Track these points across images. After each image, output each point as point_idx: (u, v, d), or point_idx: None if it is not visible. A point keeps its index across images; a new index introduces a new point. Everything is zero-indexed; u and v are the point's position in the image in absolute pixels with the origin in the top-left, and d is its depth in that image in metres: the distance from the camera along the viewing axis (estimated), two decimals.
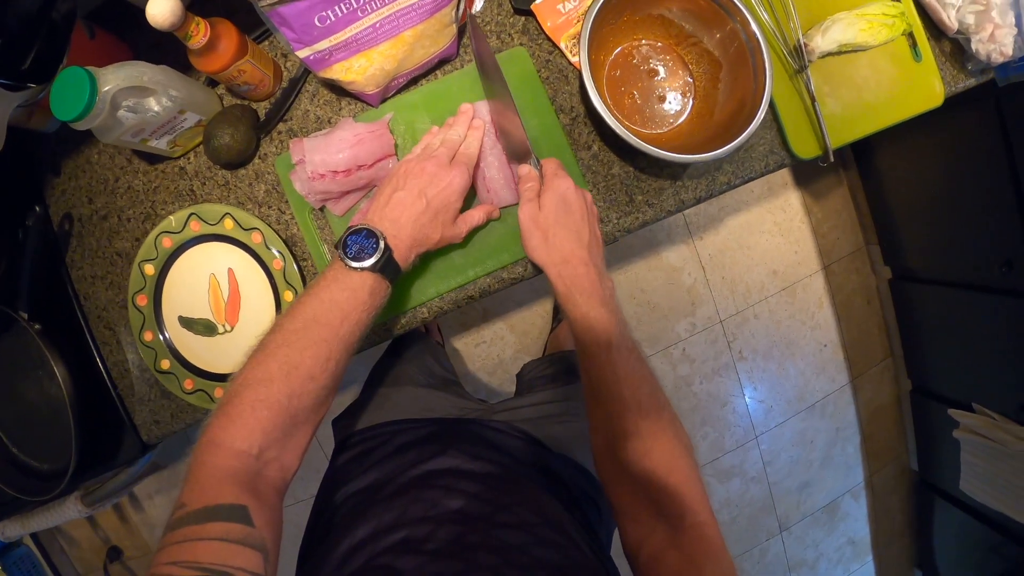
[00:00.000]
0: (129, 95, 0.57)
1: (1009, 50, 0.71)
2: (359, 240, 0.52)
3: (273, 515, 0.44)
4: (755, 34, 0.66)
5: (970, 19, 0.72)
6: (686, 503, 0.47)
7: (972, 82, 0.78)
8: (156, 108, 0.60)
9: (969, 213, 1.32)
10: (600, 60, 0.72)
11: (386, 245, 0.53)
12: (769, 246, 1.74)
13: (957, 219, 1.37)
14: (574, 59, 0.71)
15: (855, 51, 0.74)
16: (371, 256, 0.52)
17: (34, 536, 1.35)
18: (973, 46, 0.73)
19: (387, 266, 0.53)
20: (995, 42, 0.71)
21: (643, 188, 0.73)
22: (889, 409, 1.83)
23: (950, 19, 0.73)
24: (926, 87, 0.76)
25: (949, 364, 1.54)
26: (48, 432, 0.77)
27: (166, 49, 0.63)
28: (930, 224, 1.47)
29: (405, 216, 0.55)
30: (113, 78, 0.54)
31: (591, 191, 0.72)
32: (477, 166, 0.64)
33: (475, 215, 0.64)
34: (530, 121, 0.70)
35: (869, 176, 1.64)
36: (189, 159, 0.74)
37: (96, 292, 0.79)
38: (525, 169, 0.62)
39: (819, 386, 1.81)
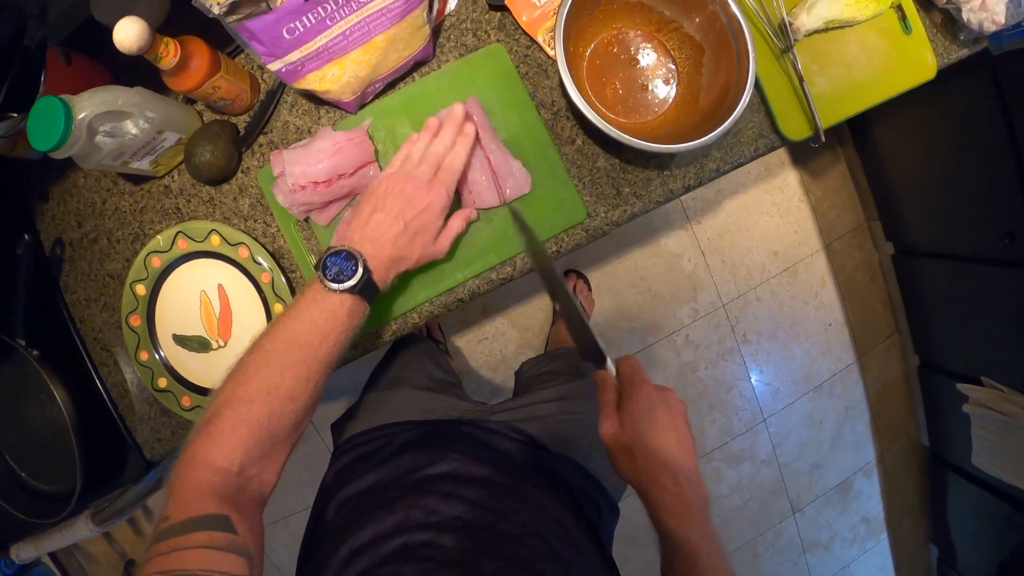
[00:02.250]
0: (105, 120, 0.57)
1: (1001, 18, 0.69)
2: (338, 262, 0.53)
3: (254, 525, 0.45)
4: (736, 15, 0.65)
5: None
6: None
7: (965, 52, 0.77)
8: (134, 131, 0.59)
9: (970, 185, 1.30)
10: (579, 52, 0.71)
11: (365, 267, 0.53)
12: (769, 227, 1.72)
13: (958, 191, 1.35)
14: (552, 53, 0.70)
15: (842, 27, 0.73)
16: (350, 278, 0.52)
17: (52, 554, 1.37)
18: (964, 15, 0.71)
19: (366, 288, 0.54)
20: (986, 10, 0.70)
21: (630, 180, 0.72)
22: (898, 385, 1.81)
23: None
24: (918, 60, 0.74)
25: (956, 338, 1.52)
26: (53, 455, 0.77)
27: (145, 69, 0.63)
28: (931, 197, 1.46)
29: (384, 238, 0.56)
30: (88, 104, 0.54)
31: (577, 186, 0.71)
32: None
33: (454, 226, 0.63)
34: (511, 118, 0.69)
35: (867, 152, 1.62)
36: (173, 177, 0.74)
37: (91, 315, 0.79)
38: (601, 376, 0.57)
39: (826, 366, 1.79)
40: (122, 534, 1.66)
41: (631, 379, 0.55)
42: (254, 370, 0.49)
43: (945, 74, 0.75)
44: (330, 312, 0.52)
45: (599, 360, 0.58)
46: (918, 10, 0.73)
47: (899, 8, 0.73)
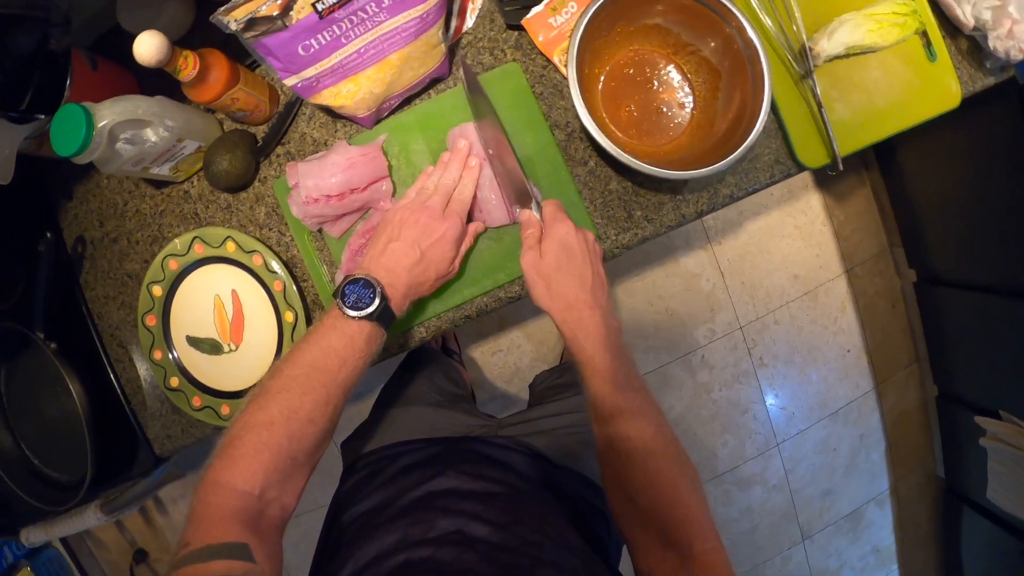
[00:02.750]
0: (126, 127, 0.59)
1: None
2: (356, 289, 0.54)
3: (273, 550, 0.46)
4: (752, 40, 0.64)
5: (987, 15, 0.69)
6: (694, 532, 0.47)
7: (991, 81, 0.75)
8: (153, 139, 0.61)
9: (997, 215, 1.27)
10: (594, 73, 0.71)
11: (383, 295, 0.55)
12: (790, 250, 1.70)
13: (984, 221, 1.31)
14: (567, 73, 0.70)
15: (864, 53, 0.72)
16: (368, 305, 0.54)
17: (63, 539, 1.41)
18: (991, 43, 0.69)
19: (383, 315, 0.55)
20: (1014, 38, 0.68)
21: (642, 203, 0.72)
22: (915, 415, 1.77)
23: (966, 16, 0.70)
24: (942, 88, 0.72)
25: (976, 370, 1.48)
26: (67, 445, 0.80)
27: (170, 75, 0.65)
28: (956, 225, 1.42)
29: (400, 267, 0.57)
30: (109, 112, 0.56)
31: (588, 207, 0.71)
32: None
33: (465, 243, 0.65)
34: (524, 138, 0.70)
35: (892, 176, 1.59)
36: (193, 183, 0.76)
37: (109, 312, 0.81)
38: (526, 215, 0.62)
39: (842, 392, 1.76)
40: (133, 523, 1.70)
41: (553, 216, 0.59)
42: (274, 394, 0.50)
43: (973, 101, 0.74)
44: (349, 339, 0.53)
45: (526, 201, 0.63)
46: (944, 37, 0.72)
47: (924, 34, 0.72)
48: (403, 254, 0.57)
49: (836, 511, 1.81)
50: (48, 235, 0.73)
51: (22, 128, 0.64)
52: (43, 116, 0.67)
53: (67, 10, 0.62)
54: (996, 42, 0.69)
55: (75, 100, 0.63)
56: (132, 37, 0.65)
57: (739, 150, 0.63)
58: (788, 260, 1.70)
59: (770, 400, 1.76)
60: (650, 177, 0.71)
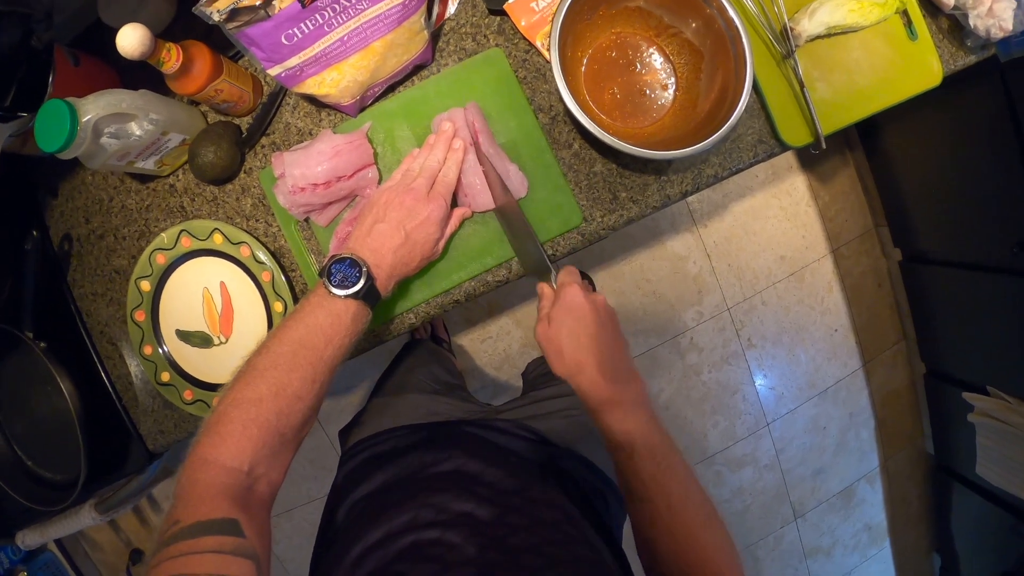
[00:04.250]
0: (110, 122, 0.58)
1: (1009, 24, 0.69)
2: (343, 269, 0.55)
3: (263, 527, 0.46)
4: (733, 21, 0.65)
5: None
6: None
7: (972, 59, 0.76)
8: (138, 132, 0.61)
9: (980, 192, 1.29)
10: (577, 56, 0.71)
11: (369, 274, 0.55)
12: (776, 231, 1.71)
13: (968, 199, 1.33)
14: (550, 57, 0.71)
15: (846, 32, 0.72)
16: (354, 284, 0.54)
17: (58, 542, 1.40)
18: (971, 21, 0.70)
19: (369, 294, 0.55)
20: (994, 16, 0.69)
21: (627, 184, 0.73)
22: (903, 393, 1.80)
23: None
24: (923, 66, 0.73)
25: (963, 347, 1.51)
26: (59, 444, 0.79)
27: (151, 69, 0.64)
28: (940, 204, 1.44)
29: (385, 247, 0.58)
30: (93, 107, 0.56)
31: (573, 190, 0.72)
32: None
33: (450, 226, 0.65)
34: (509, 123, 0.70)
35: (876, 156, 1.61)
36: (178, 176, 0.75)
37: (97, 309, 0.81)
38: (541, 287, 0.61)
39: (831, 371, 1.78)
40: (128, 523, 1.69)
41: (563, 284, 0.58)
42: (261, 371, 0.50)
43: (955, 79, 0.75)
44: (335, 316, 0.53)
45: (544, 273, 0.62)
46: (924, 15, 0.73)
47: (904, 14, 0.72)
48: (388, 235, 0.58)
49: (827, 489, 1.84)
50: (34, 233, 0.73)
51: (5, 127, 0.64)
52: (26, 114, 0.66)
53: (49, 6, 0.62)
54: (976, 20, 0.70)
55: (57, 96, 0.62)
56: (114, 32, 0.64)
57: (722, 130, 0.64)
58: (774, 241, 1.72)
59: (759, 381, 1.78)
60: (634, 158, 0.72)
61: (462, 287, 0.72)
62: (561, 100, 0.71)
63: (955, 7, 0.71)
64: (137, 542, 1.69)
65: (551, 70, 0.71)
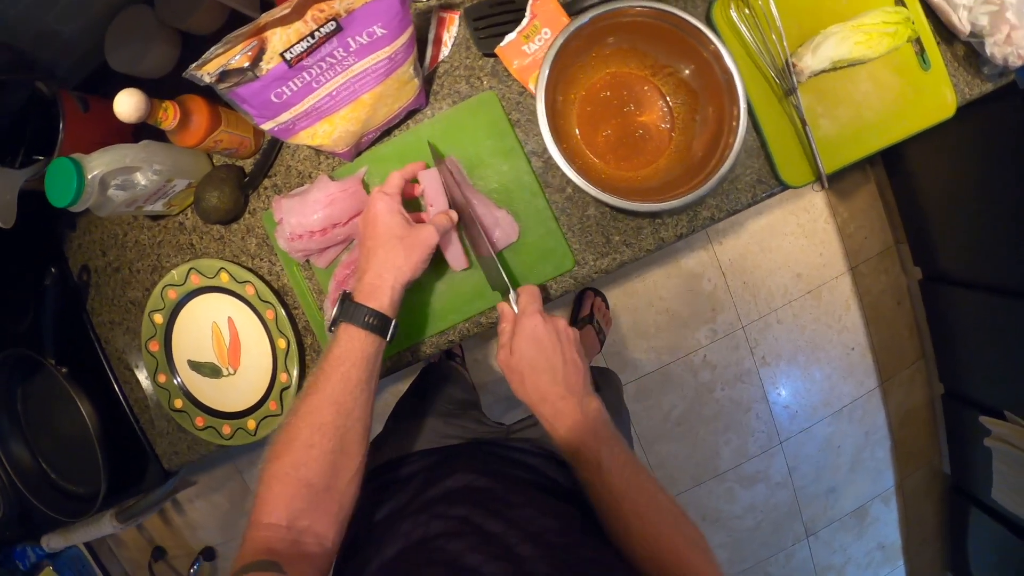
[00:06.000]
0: (116, 175, 0.61)
1: None
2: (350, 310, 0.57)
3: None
4: (728, 67, 0.64)
5: (983, 20, 0.67)
6: None
7: (989, 87, 0.74)
8: (143, 182, 0.64)
9: (1004, 214, 1.24)
10: (569, 98, 0.71)
11: (380, 314, 0.57)
12: (792, 248, 1.68)
13: (990, 220, 1.29)
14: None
15: (853, 65, 0.70)
16: (372, 322, 0.57)
17: None
18: (988, 49, 0.68)
19: (382, 325, 0.57)
20: (1012, 44, 0.67)
21: (620, 228, 0.73)
22: (921, 412, 1.76)
23: (961, 21, 0.68)
24: (935, 97, 0.71)
25: (982, 369, 1.47)
26: (82, 461, 0.84)
27: None
28: (962, 224, 1.40)
29: (386, 285, 0.59)
30: (98, 163, 0.59)
31: (566, 234, 0.72)
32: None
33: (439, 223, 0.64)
34: (501, 167, 0.71)
35: (897, 173, 1.57)
36: (187, 215, 0.79)
37: (115, 336, 0.85)
38: (500, 307, 0.63)
39: (846, 390, 1.75)
40: (151, 522, 1.77)
41: (523, 310, 0.60)
42: (279, 432, 0.54)
43: (979, 100, 0.73)
44: (349, 348, 0.56)
45: (502, 290, 0.64)
46: (938, 43, 0.71)
47: (917, 42, 0.70)
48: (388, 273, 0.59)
49: (840, 508, 1.81)
50: (53, 270, 0.77)
51: (21, 172, 0.67)
52: (41, 158, 0.70)
53: (53, 63, 0.65)
54: (994, 48, 0.68)
55: (69, 142, 0.66)
56: (121, 75, 0.68)
57: (711, 180, 0.64)
58: (790, 259, 1.69)
59: (773, 399, 1.75)
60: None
61: (456, 328, 0.74)
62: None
63: (971, 34, 0.69)
64: (160, 540, 1.77)
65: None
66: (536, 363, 0.57)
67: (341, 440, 0.54)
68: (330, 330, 0.58)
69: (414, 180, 0.67)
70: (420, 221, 0.63)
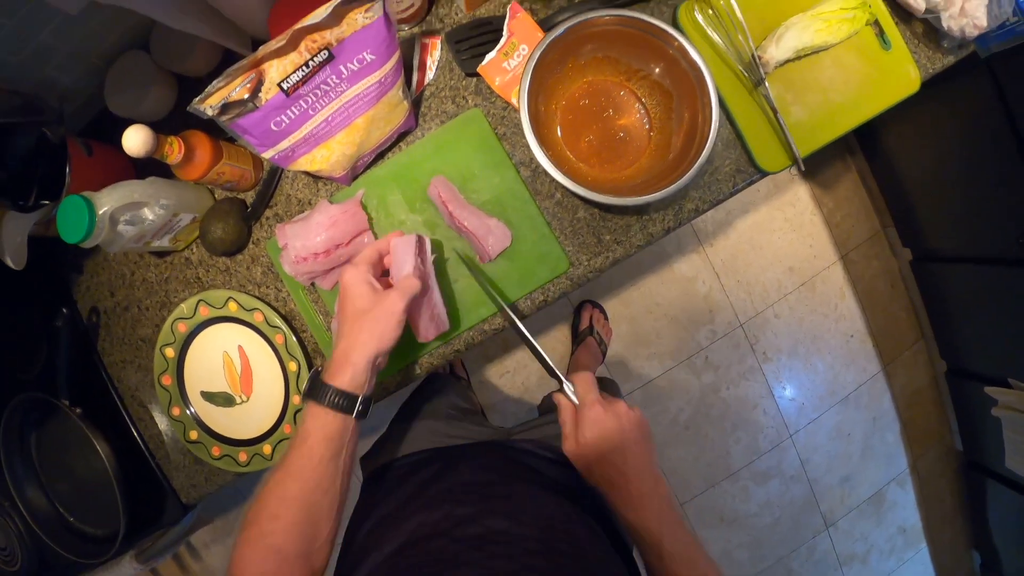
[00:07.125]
0: (125, 211, 0.64)
1: (983, 21, 0.69)
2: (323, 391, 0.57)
3: None
4: (695, 61, 0.66)
5: None
6: None
7: (951, 59, 0.76)
8: (151, 217, 0.67)
9: (982, 185, 1.27)
10: (551, 109, 0.74)
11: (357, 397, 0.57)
12: (782, 243, 1.72)
13: (970, 193, 1.32)
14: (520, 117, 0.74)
15: (817, 52, 0.73)
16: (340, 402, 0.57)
17: None
18: (945, 23, 0.70)
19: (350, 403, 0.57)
20: (966, 16, 0.69)
21: (610, 227, 0.76)
22: (927, 392, 1.77)
23: (917, 0, 0.71)
24: (899, 75, 0.74)
25: (981, 341, 1.49)
26: (99, 501, 0.85)
27: None
28: (945, 200, 1.43)
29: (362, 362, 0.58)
30: (108, 200, 0.61)
31: (559, 237, 0.75)
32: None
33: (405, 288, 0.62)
34: (492, 179, 0.74)
35: (877, 159, 1.61)
36: (192, 250, 0.81)
37: (127, 375, 0.87)
38: (558, 399, 0.63)
39: (850, 377, 1.76)
40: (168, 569, 1.75)
41: (582, 400, 0.61)
42: (252, 500, 0.55)
43: (944, 75, 0.75)
44: (314, 426, 0.56)
45: (557, 382, 0.64)
46: (896, 23, 0.73)
47: (876, 24, 0.73)
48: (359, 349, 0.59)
49: (857, 496, 1.81)
50: (64, 311, 0.79)
51: (30, 216, 0.70)
52: (49, 202, 0.73)
53: (59, 109, 0.68)
54: (950, 21, 0.70)
55: (75, 186, 0.69)
56: (121, 120, 0.71)
57: (691, 171, 0.66)
58: (781, 253, 1.72)
59: (778, 393, 1.77)
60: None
61: (461, 337, 0.76)
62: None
63: (927, 11, 0.71)
64: None
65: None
66: (602, 452, 0.58)
67: (308, 512, 0.55)
68: (303, 403, 0.59)
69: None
70: (389, 287, 0.62)
